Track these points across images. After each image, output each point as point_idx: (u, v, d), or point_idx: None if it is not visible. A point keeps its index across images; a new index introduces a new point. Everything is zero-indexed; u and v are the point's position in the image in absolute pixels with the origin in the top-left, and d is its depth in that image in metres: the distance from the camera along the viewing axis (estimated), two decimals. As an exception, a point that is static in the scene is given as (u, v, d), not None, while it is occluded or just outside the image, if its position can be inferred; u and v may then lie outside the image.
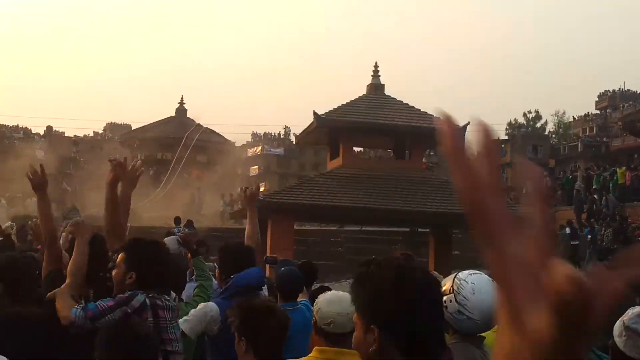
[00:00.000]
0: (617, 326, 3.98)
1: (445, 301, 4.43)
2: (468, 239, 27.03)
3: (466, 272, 4.61)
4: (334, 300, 3.92)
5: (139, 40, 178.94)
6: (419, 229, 25.12)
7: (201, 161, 41.19)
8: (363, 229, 28.29)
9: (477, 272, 4.59)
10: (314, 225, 28.39)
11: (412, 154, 19.21)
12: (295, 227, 19.67)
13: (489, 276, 4.55)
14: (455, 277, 4.63)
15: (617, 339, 3.93)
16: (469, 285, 4.41)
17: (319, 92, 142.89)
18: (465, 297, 4.35)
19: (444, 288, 4.61)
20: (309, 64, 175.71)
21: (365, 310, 2.19)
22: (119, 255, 4.21)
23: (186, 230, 23.22)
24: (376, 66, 19.99)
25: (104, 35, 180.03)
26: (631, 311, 3.98)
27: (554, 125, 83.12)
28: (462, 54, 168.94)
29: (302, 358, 3.73)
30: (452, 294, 4.61)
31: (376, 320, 2.14)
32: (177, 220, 24.11)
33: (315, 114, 18.22)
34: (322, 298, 4.07)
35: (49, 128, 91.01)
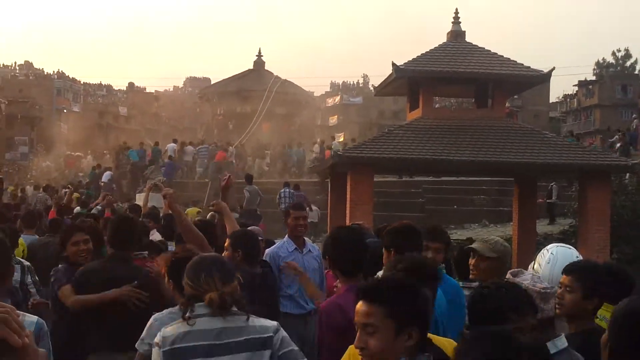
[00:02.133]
0: None
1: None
2: (561, 188, 26.39)
3: (558, 244, 4.44)
4: None
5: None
6: (503, 178, 24.55)
7: (280, 113, 41.13)
8: (444, 179, 27.84)
9: (566, 246, 4.39)
10: (394, 176, 28.09)
11: (494, 101, 18.59)
12: (375, 178, 19.44)
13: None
14: (546, 247, 4.48)
15: None
16: (548, 255, 4.29)
17: (398, 40, 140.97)
18: (539, 265, 4.24)
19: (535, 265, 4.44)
20: (387, 13, 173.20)
21: None
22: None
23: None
24: (456, 13, 19.32)
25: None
26: None
27: (645, 64, 79.79)
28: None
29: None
30: (533, 262, 4.49)
31: None
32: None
33: (393, 64, 17.77)
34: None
35: (131, 84, 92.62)
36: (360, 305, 2.80)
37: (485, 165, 17.31)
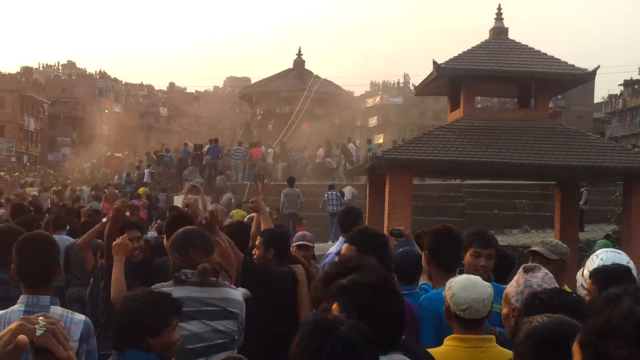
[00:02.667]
0: None
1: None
2: (595, 192, 25.75)
3: (607, 249, 4.14)
4: (468, 285, 3.73)
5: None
6: (545, 182, 23.97)
7: (319, 113, 40.89)
8: (484, 182, 27.30)
9: (616, 251, 4.09)
10: (434, 179, 27.63)
11: (537, 101, 18.10)
12: (415, 182, 19.10)
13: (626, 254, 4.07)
14: (594, 252, 4.19)
15: None
16: (597, 261, 4.01)
17: (439, 39, 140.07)
18: (589, 271, 3.94)
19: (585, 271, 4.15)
20: (429, 10, 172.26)
21: None
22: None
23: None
24: (499, 9, 18.86)
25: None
26: None
27: (692, 63, 78.07)
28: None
29: (439, 347, 3.66)
30: (582, 268, 4.20)
31: None
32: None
33: (434, 63, 17.38)
34: (455, 283, 3.82)
35: (172, 84, 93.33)
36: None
37: (528, 168, 16.83)
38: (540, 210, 25.85)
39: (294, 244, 6.62)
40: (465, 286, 3.70)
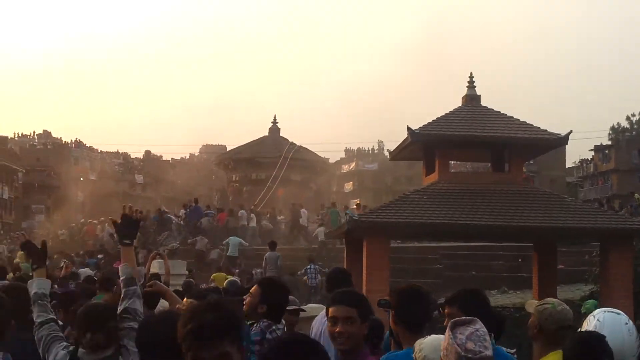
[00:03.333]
0: None
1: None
2: (572, 254, 25.94)
3: (606, 309, 4.12)
4: (438, 345, 3.63)
5: (230, 63, 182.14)
6: (521, 244, 24.13)
7: (295, 179, 41.04)
8: (461, 244, 27.43)
9: (615, 311, 4.07)
10: (411, 242, 27.71)
11: (511, 165, 18.38)
12: (392, 244, 19.15)
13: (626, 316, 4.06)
14: (592, 313, 4.18)
15: None
16: (594, 322, 3.97)
17: (412, 106, 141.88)
18: None
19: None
20: (401, 77, 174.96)
21: None
22: (253, 288, 5.50)
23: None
24: (471, 77, 19.27)
25: (194, 60, 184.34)
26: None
27: (661, 128, 79.65)
28: (558, 58, 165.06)
29: None
30: (579, 329, 4.19)
31: None
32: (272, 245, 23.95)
33: (409, 129, 17.65)
34: (425, 345, 3.78)
35: (147, 152, 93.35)
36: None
37: (504, 230, 17.00)
38: (518, 271, 25.98)
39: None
40: (435, 347, 3.64)
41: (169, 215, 33.14)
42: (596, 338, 3.73)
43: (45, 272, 4.89)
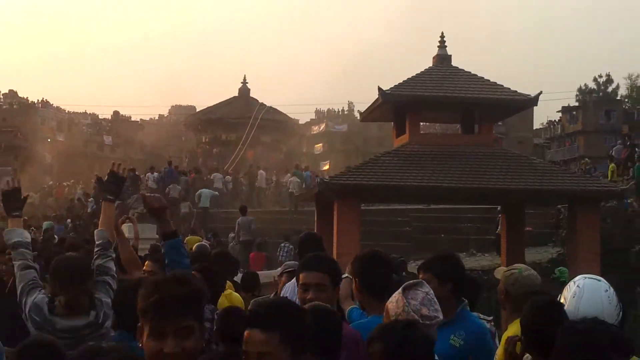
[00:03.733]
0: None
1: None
2: (540, 215, 26.15)
3: (586, 275, 4.07)
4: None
5: (200, 21, 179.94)
6: (490, 206, 24.26)
7: (265, 141, 40.85)
8: (431, 207, 27.51)
9: (595, 278, 4.02)
10: (379, 205, 27.75)
11: (481, 126, 18.41)
12: (362, 207, 19.14)
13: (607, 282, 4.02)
14: (572, 279, 4.13)
15: None
16: (573, 288, 3.92)
17: (383, 67, 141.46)
18: (565, 299, 3.88)
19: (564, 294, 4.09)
20: (372, 38, 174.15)
21: None
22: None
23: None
24: (442, 37, 19.15)
25: (165, 17, 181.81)
26: None
27: (627, 89, 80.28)
28: (527, 19, 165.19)
29: None
30: (559, 295, 4.14)
31: None
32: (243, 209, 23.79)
33: (379, 89, 17.55)
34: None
35: (116, 113, 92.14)
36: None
37: (473, 192, 17.07)
38: (486, 233, 26.15)
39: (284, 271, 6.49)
40: None
41: (138, 176, 32.78)
42: (552, 304, 3.69)
43: (22, 222, 4.95)
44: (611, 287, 3.82)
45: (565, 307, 3.74)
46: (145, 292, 2.55)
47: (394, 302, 3.48)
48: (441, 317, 3.46)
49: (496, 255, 21.96)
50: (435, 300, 3.49)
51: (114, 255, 4.91)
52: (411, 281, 3.63)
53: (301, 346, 2.74)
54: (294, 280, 5.94)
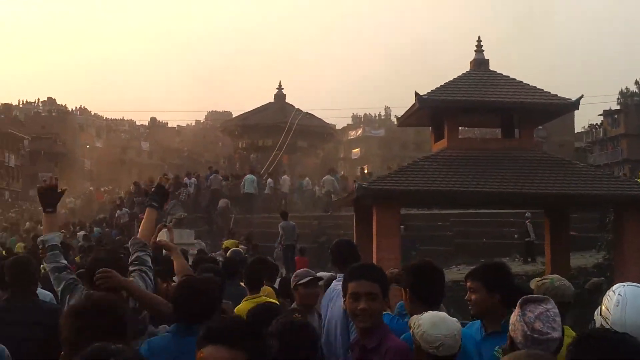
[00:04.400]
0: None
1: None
2: (584, 220, 25.67)
3: (625, 283, 3.89)
4: (437, 321, 3.59)
5: (236, 29, 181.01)
6: (533, 210, 23.88)
7: (302, 146, 40.79)
8: (472, 211, 27.18)
9: (635, 285, 3.85)
10: (421, 209, 27.51)
11: (521, 130, 18.06)
12: (402, 211, 18.93)
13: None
14: (611, 288, 3.94)
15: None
16: (615, 298, 3.73)
17: (421, 71, 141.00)
18: (607, 310, 3.70)
19: (602, 308, 3.88)
20: (409, 44, 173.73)
21: None
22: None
23: None
24: (479, 41, 18.86)
25: (200, 23, 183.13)
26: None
27: (669, 91, 78.89)
28: (568, 22, 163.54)
29: None
30: (600, 306, 3.94)
31: None
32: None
33: (416, 94, 17.32)
34: (424, 320, 3.64)
35: (153, 119, 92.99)
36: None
37: (515, 197, 16.73)
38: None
39: (300, 281, 6.24)
40: (434, 323, 3.58)
41: (180, 182, 32.97)
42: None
43: (55, 218, 5.35)
44: None
45: (610, 318, 3.58)
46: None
47: (514, 312, 3.44)
48: (556, 335, 3.32)
49: (540, 260, 21.60)
50: (558, 319, 3.38)
51: (150, 251, 5.26)
52: (536, 295, 3.57)
53: None
54: (333, 287, 5.77)
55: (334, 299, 5.54)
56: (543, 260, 21.18)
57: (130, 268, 4.98)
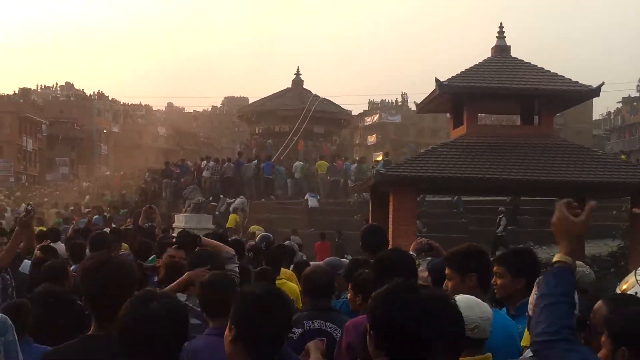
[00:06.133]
0: None
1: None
2: (601, 208, 25.51)
3: None
4: (473, 304, 3.60)
5: (254, 14, 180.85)
6: (550, 198, 23.76)
7: (318, 132, 40.76)
8: (487, 198, 27.09)
9: None
10: (435, 196, 27.47)
11: (541, 117, 18.00)
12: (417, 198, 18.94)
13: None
14: (636, 271, 3.97)
15: None
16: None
17: (438, 58, 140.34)
18: (638, 294, 3.71)
19: (625, 285, 3.93)
20: (427, 29, 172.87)
21: None
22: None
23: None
24: (501, 27, 18.77)
25: (219, 10, 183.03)
26: None
27: (689, 80, 78.15)
28: (587, 9, 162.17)
29: None
30: (636, 286, 3.96)
31: None
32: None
33: (437, 80, 17.28)
34: (460, 302, 3.58)
35: (170, 104, 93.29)
36: None
37: (534, 184, 16.68)
38: (544, 226, 25.64)
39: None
40: (470, 305, 3.59)
41: (199, 166, 33.07)
42: None
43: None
44: None
45: None
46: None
47: (532, 292, 3.40)
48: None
49: (555, 248, 21.49)
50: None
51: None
52: None
53: None
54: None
55: None
56: (614, 243, 21.21)
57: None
